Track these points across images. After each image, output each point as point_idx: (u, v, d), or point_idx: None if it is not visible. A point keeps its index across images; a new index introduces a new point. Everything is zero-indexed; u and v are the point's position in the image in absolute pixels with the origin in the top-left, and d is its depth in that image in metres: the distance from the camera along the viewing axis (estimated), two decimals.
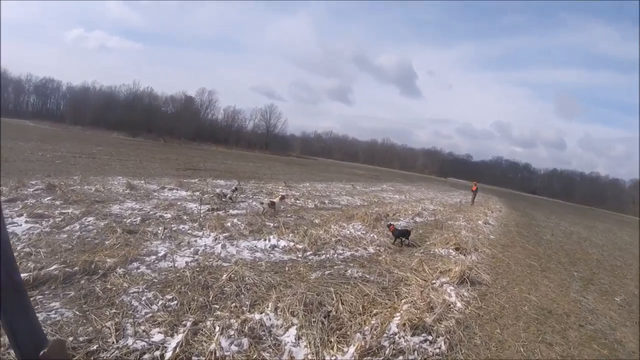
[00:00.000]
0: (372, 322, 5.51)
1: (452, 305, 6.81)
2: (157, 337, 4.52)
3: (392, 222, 13.09)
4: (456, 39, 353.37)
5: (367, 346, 4.77)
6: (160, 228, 9.31)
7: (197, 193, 15.45)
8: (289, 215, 13.79)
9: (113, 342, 4.34)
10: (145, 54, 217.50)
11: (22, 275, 5.40)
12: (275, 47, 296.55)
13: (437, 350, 5.23)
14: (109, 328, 4.57)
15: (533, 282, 9.78)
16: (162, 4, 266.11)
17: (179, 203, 13.00)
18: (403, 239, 11.74)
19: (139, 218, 10.22)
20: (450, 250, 11.38)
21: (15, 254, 6.35)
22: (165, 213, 11.19)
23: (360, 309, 5.86)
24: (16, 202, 10.29)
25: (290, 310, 5.29)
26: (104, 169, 20.56)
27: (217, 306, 5.48)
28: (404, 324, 5.47)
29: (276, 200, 13.61)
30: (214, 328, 4.74)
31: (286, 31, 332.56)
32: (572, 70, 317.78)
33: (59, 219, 9.00)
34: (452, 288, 7.62)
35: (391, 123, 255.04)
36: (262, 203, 13.59)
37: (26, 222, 8.50)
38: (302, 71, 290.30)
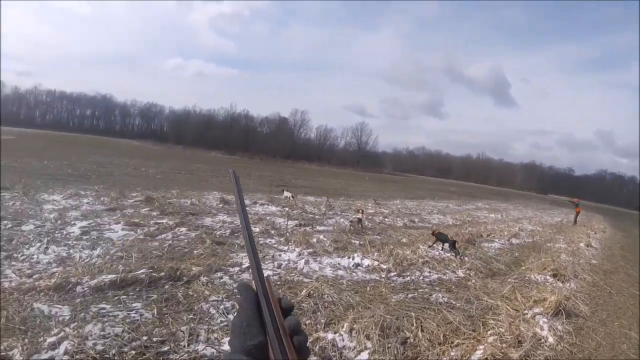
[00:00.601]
0: (452, 353, 5.15)
1: (542, 340, 6.16)
2: (227, 346, 4.51)
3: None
4: (549, 41, 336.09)
5: None
6: None
7: (287, 209, 15.77)
8: (376, 233, 13.60)
9: (184, 346, 4.46)
10: (240, 79, 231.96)
11: (110, 276, 5.73)
12: (363, 64, 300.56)
13: None
14: (183, 332, 4.71)
15: (636, 316, 8.76)
16: (252, 31, 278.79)
17: (268, 217, 13.30)
18: (444, 245, 11.70)
19: (228, 231, 10.55)
20: (547, 277, 10.54)
21: (107, 257, 6.83)
22: (254, 227, 11.40)
23: (441, 338, 5.48)
24: (115, 211, 11.08)
25: (365, 332, 5.10)
26: (201, 185, 21.57)
27: None
28: (486, 359, 5.05)
29: (361, 216, 13.54)
30: None
31: (373, 48, 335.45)
32: None
33: (153, 228, 9.53)
34: (546, 320, 6.92)
35: (486, 136, 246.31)
36: (351, 221, 13.53)
37: (122, 229, 9.10)
38: (392, 87, 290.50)
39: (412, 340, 5.28)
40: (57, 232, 8.37)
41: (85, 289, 5.55)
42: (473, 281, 9.16)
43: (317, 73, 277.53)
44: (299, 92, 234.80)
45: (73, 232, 8.48)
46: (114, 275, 5.85)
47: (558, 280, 10.40)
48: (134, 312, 5.09)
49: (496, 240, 15.95)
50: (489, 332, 6.05)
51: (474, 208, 31.37)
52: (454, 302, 7.34)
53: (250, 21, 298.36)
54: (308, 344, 0.80)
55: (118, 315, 4.94)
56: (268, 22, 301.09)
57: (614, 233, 29.36)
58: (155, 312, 5.13)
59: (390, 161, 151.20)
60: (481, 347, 5.41)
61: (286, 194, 17.81)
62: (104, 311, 5.01)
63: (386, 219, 17.13)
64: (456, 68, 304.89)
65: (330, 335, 5.01)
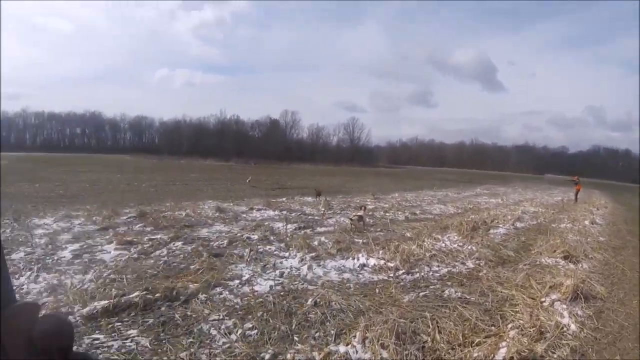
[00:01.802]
0: (474, 355, 4.77)
1: (565, 329, 5.81)
2: None
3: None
4: (532, 21, 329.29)
5: None
6: (247, 250, 9.14)
7: (285, 212, 15.49)
8: (378, 229, 13.26)
9: None
10: (228, 84, 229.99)
11: (103, 302, 5.38)
12: (349, 60, 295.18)
13: None
14: (183, 359, 4.35)
15: None
16: (235, 36, 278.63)
17: (266, 223, 12.91)
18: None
19: (225, 241, 10.14)
20: (559, 260, 10.19)
21: (100, 280, 6.46)
22: (253, 234, 11.06)
23: (460, 338, 5.09)
24: (108, 230, 10.68)
25: (380, 341, 4.70)
26: (196, 194, 21.11)
27: (298, 338, 5.05)
28: (512, 358, 4.68)
29: (362, 213, 13.24)
30: None
31: (357, 42, 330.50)
32: None
33: (147, 245, 9.16)
34: (565, 307, 6.54)
35: (477, 122, 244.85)
36: (352, 218, 13.15)
37: (115, 249, 8.73)
38: (380, 80, 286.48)
39: (430, 344, 4.90)
40: (47, 258, 7.96)
41: (77, 318, 5.18)
42: (484, 271, 8.76)
43: (303, 72, 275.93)
44: (287, 93, 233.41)
45: (64, 257, 8.09)
46: (106, 301, 5.45)
47: (570, 262, 10.07)
48: (129, 340, 4.72)
49: (500, 225, 15.58)
50: (509, 326, 5.66)
51: (473, 194, 31.20)
52: (467, 297, 6.97)
53: (234, 26, 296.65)
54: None
55: (113, 345, 4.58)
56: (250, 25, 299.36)
57: (615, 207, 29.27)
58: (152, 339, 4.77)
59: (384, 154, 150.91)
60: (504, 343, 5.01)
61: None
62: (97, 342, 4.65)
63: (387, 214, 16.82)
64: (441, 57, 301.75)
65: (342, 348, 4.64)
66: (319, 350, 4.65)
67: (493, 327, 5.63)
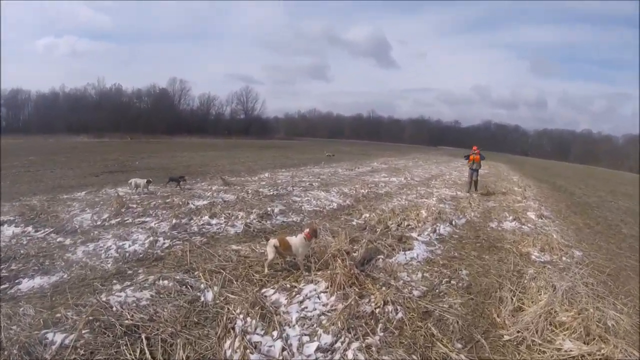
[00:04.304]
0: None
1: None
2: None
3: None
4: (427, 5, 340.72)
5: None
6: None
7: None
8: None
9: None
10: (116, 53, 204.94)
11: None
12: (244, 32, 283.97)
13: None
14: None
15: None
16: (126, 3, 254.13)
17: None
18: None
19: None
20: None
21: None
22: None
23: None
24: None
25: None
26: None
27: None
28: None
29: (295, 238, 6.40)
30: None
31: (253, 14, 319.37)
32: (546, 27, 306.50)
33: None
34: None
35: (373, 96, 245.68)
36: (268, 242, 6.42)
37: None
38: (276, 53, 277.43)
39: None
40: None
41: None
42: None
43: (196, 42, 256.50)
44: (180, 63, 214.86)
45: None
46: None
47: None
48: None
49: (415, 236, 9.02)
50: None
51: (369, 170, 24.39)
52: None
53: None
54: None
55: None
56: None
57: (539, 186, 24.45)
58: None
59: (282, 126, 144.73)
60: None
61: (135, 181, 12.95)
62: None
63: (212, 221, 9.40)
64: (337, 32, 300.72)
65: None
66: None
67: None
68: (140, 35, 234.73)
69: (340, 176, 19.94)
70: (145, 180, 12.68)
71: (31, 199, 11.18)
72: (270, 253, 6.15)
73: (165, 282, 5.59)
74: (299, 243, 6.18)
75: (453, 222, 10.59)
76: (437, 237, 9.14)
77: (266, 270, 6.14)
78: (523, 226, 11.11)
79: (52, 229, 8.02)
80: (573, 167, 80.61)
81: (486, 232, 10.21)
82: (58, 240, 7.56)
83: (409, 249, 7.72)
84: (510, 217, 11.96)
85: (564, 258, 8.36)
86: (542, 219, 12.50)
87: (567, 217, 14.32)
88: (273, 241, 6.19)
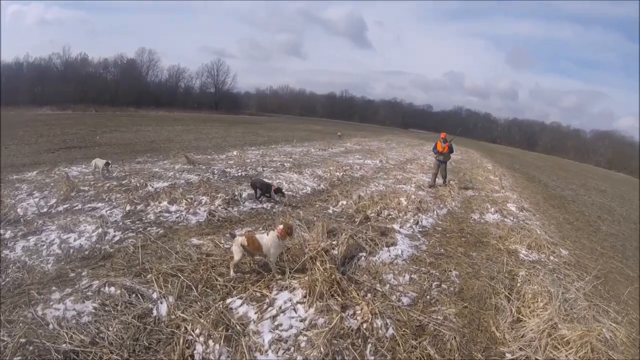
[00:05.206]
0: None
1: None
2: None
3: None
4: None
5: None
6: None
7: None
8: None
9: None
10: (87, 23, 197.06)
11: None
12: (220, 4, 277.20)
13: None
14: None
15: None
16: None
17: None
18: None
19: None
20: None
21: None
22: None
23: None
24: None
25: None
26: None
27: None
28: None
29: (267, 236, 5.49)
30: None
31: None
32: (529, 20, 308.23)
33: None
34: None
35: (347, 76, 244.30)
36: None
37: None
38: (250, 28, 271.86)
39: None
40: None
41: None
42: None
43: (171, 14, 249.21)
44: (151, 35, 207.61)
45: None
46: None
47: None
48: None
49: (397, 228, 8.35)
50: None
51: (342, 151, 23.54)
52: None
53: None
54: None
55: None
56: None
57: (513, 176, 24.27)
58: None
59: (254, 102, 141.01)
60: None
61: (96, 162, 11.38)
62: None
63: (187, 198, 8.53)
64: (314, 9, 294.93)
65: None
66: None
67: None
68: (112, 4, 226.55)
69: (313, 156, 19.06)
70: (104, 162, 11.13)
71: None
72: (237, 253, 5.27)
73: (112, 289, 4.67)
74: (270, 242, 5.28)
75: (435, 212, 9.98)
76: (420, 229, 8.49)
77: (232, 273, 5.26)
78: (505, 219, 10.61)
79: None
80: (541, 157, 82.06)
81: (470, 225, 9.66)
82: None
83: (392, 244, 6.98)
84: (492, 209, 11.43)
85: (551, 257, 8.00)
86: (523, 211, 12.09)
87: (546, 211, 14.06)
88: (240, 239, 5.31)
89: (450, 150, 14.45)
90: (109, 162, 11.42)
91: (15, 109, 64.39)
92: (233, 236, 5.47)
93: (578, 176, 41.45)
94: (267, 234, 5.33)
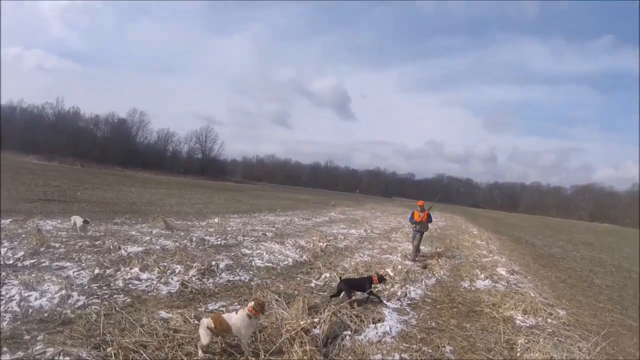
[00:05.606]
0: None
1: None
2: None
3: None
4: (389, 63, 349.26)
5: None
6: None
7: None
8: None
9: None
10: (82, 75, 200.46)
11: None
12: (212, 71, 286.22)
13: None
14: None
15: None
16: (101, 24, 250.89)
17: None
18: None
19: None
20: None
21: None
22: None
23: None
24: None
25: None
26: None
27: None
28: None
29: (236, 315, 4.93)
30: None
31: (224, 55, 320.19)
32: (503, 86, 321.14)
33: None
34: None
35: (331, 146, 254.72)
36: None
37: None
38: (241, 96, 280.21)
39: None
40: None
41: None
42: None
43: (163, 75, 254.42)
44: (143, 94, 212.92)
45: None
46: None
47: None
48: None
49: (385, 300, 7.83)
50: None
51: (327, 221, 23.12)
52: None
53: (102, 15, 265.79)
54: None
55: None
56: (119, 16, 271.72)
57: (500, 239, 24.21)
58: None
59: (240, 169, 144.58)
60: None
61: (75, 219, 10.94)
62: None
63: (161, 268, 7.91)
64: (302, 82, 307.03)
65: None
66: None
67: None
68: (109, 61, 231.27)
69: (296, 226, 18.52)
70: (82, 220, 10.69)
71: None
72: (205, 337, 4.67)
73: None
74: (240, 322, 4.72)
75: (424, 285, 9.45)
76: (409, 302, 7.95)
77: (200, 354, 4.64)
78: (497, 284, 10.27)
79: None
80: (524, 218, 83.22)
81: (460, 294, 9.19)
82: None
83: (379, 320, 6.39)
84: (482, 275, 11.05)
85: (549, 319, 7.66)
86: (513, 274, 11.76)
87: (537, 272, 13.83)
88: (206, 321, 4.77)
89: (429, 220, 13.34)
90: (88, 220, 11.00)
91: (4, 153, 63.70)
92: (198, 318, 4.95)
93: (563, 232, 42.15)
94: (237, 313, 4.79)
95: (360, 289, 7.63)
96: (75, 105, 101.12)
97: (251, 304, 4.81)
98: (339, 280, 7.76)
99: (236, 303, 6.63)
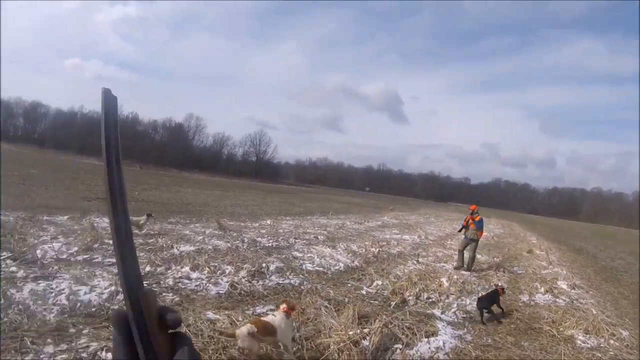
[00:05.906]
0: None
1: None
2: None
3: None
4: (441, 65, 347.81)
5: None
6: None
7: None
8: None
9: None
10: (139, 85, 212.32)
11: None
12: (265, 78, 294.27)
13: None
14: None
15: None
16: (155, 37, 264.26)
17: None
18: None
19: None
20: None
21: None
22: None
23: None
24: None
25: None
26: None
27: None
28: None
29: (276, 317, 4.62)
30: None
31: (275, 62, 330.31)
32: (560, 87, 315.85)
33: None
34: None
35: (384, 150, 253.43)
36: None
37: None
38: (293, 101, 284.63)
39: None
40: None
41: None
42: None
43: (217, 84, 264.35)
44: (199, 103, 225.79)
45: None
46: None
47: None
48: None
49: (438, 314, 7.56)
50: None
51: (379, 225, 22.86)
52: None
53: (155, 27, 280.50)
54: None
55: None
56: (172, 29, 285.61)
57: (559, 249, 23.14)
58: None
59: (293, 172, 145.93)
60: None
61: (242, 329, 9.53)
62: None
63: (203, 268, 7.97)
64: (352, 86, 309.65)
65: None
66: None
67: None
68: (165, 71, 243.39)
69: (348, 230, 18.37)
70: (146, 214, 11.22)
71: (9, 215, 10.20)
72: (252, 345, 4.21)
73: (109, 356, 4.14)
74: (284, 324, 4.43)
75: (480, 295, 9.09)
76: (464, 315, 7.59)
77: None
78: (557, 299, 9.72)
79: (10, 254, 6.86)
80: (585, 227, 79.25)
81: (519, 309, 8.67)
82: (11, 269, 6.34)
83: (432, 334, 6.10)
84: (542, 289, 10.46)
85: (611, 341, 7.02)
86: (575, 289, 11.15)
87: (599, 286, 13.21)
88: (247, 328, 4.19)
89: (479, 227, 11.88)
90: (151, 214, 11.66)
91: (65, 154, 67.29)
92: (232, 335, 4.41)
93: (626, 243, 39.85)
94: (275, 315, 4.57)
95: (497, 303, 7.82)
96: (133, 111, 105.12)
97: (284, 305, 4.62)
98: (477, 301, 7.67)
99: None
